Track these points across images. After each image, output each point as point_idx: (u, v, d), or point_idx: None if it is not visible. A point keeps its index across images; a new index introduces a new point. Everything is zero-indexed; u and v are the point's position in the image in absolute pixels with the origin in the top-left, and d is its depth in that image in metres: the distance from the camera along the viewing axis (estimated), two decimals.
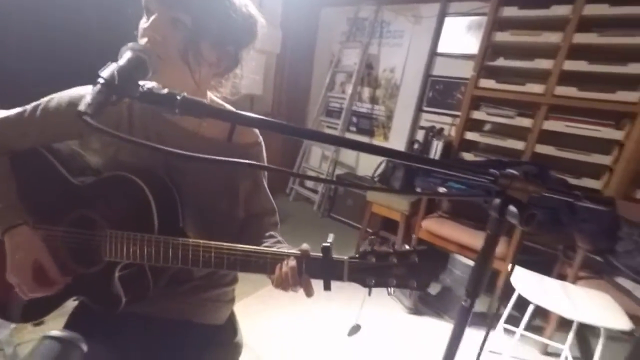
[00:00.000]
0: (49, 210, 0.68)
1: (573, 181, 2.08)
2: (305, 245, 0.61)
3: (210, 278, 0.81)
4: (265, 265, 0.60)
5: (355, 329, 1.73)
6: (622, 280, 1.60)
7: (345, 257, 0.59)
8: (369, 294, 0.60)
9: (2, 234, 0.62)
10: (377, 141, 3.32)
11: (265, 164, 0.85)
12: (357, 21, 3.27)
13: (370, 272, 0.59)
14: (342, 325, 1.79)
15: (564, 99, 2.05)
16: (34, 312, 0.70)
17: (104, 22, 2.04)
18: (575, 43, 1.98)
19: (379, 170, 2.68)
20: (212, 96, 0.77)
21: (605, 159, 1.99)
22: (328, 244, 0.59)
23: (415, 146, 2.87)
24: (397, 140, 3.16)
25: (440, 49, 2.82)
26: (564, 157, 2.09)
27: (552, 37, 2.06)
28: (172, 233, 0.66)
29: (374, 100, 3.30)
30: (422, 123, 3.01)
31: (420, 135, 2.89)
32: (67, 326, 0.71)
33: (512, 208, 0.52)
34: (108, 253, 0.64)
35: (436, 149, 2.47)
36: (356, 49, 3.27)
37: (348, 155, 3.46)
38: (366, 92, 3.34)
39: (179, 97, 0.38)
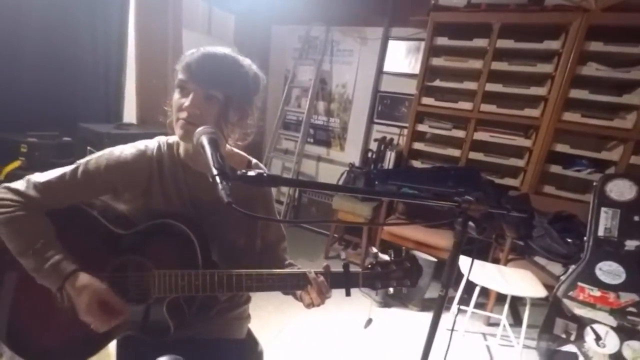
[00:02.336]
0: (94, 258, 0.75)
1: (498, 180, 2.55)
2: (326, 264, 0.78)
3: (232, 300, 0.94)
4: (298, 283, 0.76)
5: (369, 322, 2.03)
6: (538, 259, 2.05)
7: (360, 270, 0.78)
8: (377, 294, 0.80)
9: (63, 283, 0.68)
10: (334, 151, 3.57)
11: (273, 196, 1.00)
12: (309, 39, 3.49)
13: (377, 278, 0.79)
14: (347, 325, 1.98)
15: (487, 114, 2.51)
16: (83, 352, 0.76)
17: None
18: (493, 69, 2.43)
19: (342, 180, 2.92)
20: (227, 146, 0.89)
21: (520, 162, 2.49)
22: (347, 262, 0.77)
23: (369, 155, 3.18)
24: (352, 150, 3.45)
25: (386, 68, 3.17)
26: (491, 162, 2.56)
27: (476, 64, 2.50)
28: (208, 266, 0.78)
29: (329, 113, 3.55)
30: (374, 134, 3.34)
31: (373, 145, 3.21)
32: (120, 356, 0.79)
33: (471, 223, 0.76)
34: (157, 290, 0.74)
35: (389, 158, 2.79)
36: (310, 65, 3.48)
37: (309, 166, 3.66)
38: (321, 105, 3.58)
39: (265, 175, 0.53)
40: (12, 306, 0.73)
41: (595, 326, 1.72)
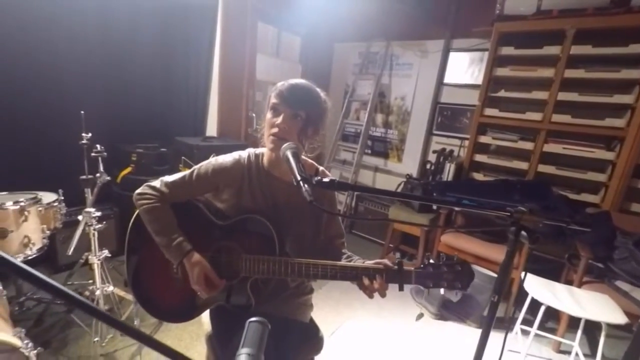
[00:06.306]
0: (201, 241, 0.97)
1: (573, 196, 2.35)
2: (385, 260, 0.89)
3: (299, 287, 1.10)
4: (356, 275, 0.89)
5: (420, 315, 2.15)
6: (620, 283, 1.85)
7: (413, 268, 0.87)
8: (428, 292, 0.88)
9: (182, 258, 0.91)
10: (392, 162, 3.62)
11: (337, 198, 1.15)
12: (369, 55, 3.64)
13: (429, 277, 0.87)
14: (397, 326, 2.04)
15: (560, 125, 2.35)
16: (190, 313, 1.00)
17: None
18: (566, 77, 2.29)
19: (399, 191, 2.96)
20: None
21: (600, 177, 2.27)
22: (401, 260, 0.87)
23: (428, 166, 3.17)
24: (410, 162, 3.47)
25: (447, 79, 3.16)
26: (564, 175, 2.38)
27: (546, 72, 2.38)
28: (283, 255, 0.95)
29: (387, 125, 3.63)
30: (433, 145, 3.32)
31: (432, 157, 3.19)
32: (214, 322, 1.01)
33: (523, 233, 0.80)
34: (244, 271, 0.93)
35: (449, 170, 2.76)
36: (369, 80, 3.62)
37: (366, 176, 3.76)
38: (379, 118, 3.67)
39: (335, 181, 0.68)
40: (143, 269, 1.01)
41: None
